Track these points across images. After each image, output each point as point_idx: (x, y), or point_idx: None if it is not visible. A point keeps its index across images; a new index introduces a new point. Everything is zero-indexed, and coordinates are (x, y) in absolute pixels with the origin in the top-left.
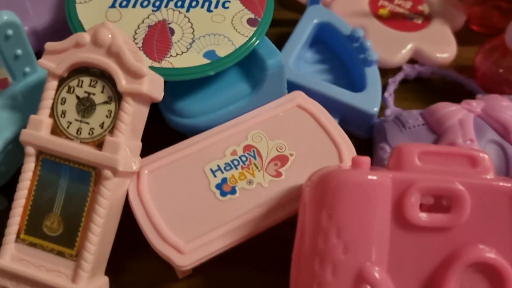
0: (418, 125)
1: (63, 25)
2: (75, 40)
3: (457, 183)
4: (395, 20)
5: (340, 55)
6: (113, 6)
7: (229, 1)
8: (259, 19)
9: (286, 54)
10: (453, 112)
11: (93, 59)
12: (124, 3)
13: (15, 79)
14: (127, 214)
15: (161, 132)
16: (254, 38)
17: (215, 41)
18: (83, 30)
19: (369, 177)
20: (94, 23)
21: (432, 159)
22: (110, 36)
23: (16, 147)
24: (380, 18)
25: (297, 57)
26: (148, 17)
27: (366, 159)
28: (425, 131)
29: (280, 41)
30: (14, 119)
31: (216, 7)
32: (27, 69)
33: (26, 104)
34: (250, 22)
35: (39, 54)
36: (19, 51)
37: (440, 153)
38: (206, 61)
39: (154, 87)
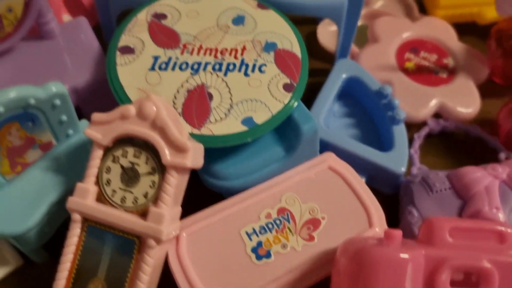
0: (445, 189)
1: (103, 84)
2: (121, 112)
3: (485, 261)
4: (421, 74)
5: (368, 110)
6: (153, 68)
7: (265, 65)
8: (295, 84)
9: (316, 111)
10: (480, 179)
11: (138, 132)
12: (164, 65)
13: (59, 141)
14: (166, 274)
15: (197, 192)
16: (290, 104)
17: (252, 107)
18: (123, 92)
19: (402, 255)
20: (134, 85)
21: (462, 234)
22: (154, 109)
23: (59, 208)
24: (406, 71)
25: (326, 113)
26: (187, 81)
27: (398, 234)
28: (452, 196)
29: (308, 91)
30: (58, 181)
31: (253, 71)
32: (70, 131)
33: (69, 165)
34: (286, 87)
35: (78, 108)
36: (64, 117)
37: (470, 229)
38: (245, 128)
39: (196, 157)
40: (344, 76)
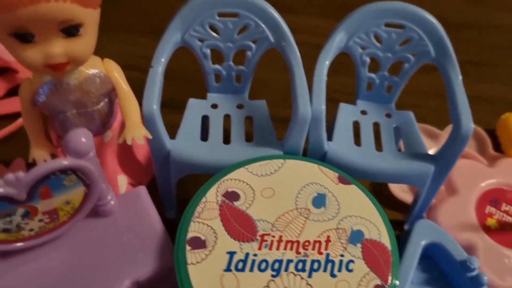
0: None
1: (168, 274)
2: None
3: None
4: (505, 233)
5: (450, 279)
6: (228, 269)
7: (353, 261)
8: (386, 286)
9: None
10: None
11: None
12: (240, 265)
13: None
14: None
15: None
16: None
17: None
18: None
19: None
20: None
21: None
22: None
23: None
24: (488, 229)
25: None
26: (267, 285)
27: None
28: None
29: None
30: None
31: (339, 270)
32: None
33: None
34: None
35: None
36: None
37: None
38: None
39: None
40: (424, 242)
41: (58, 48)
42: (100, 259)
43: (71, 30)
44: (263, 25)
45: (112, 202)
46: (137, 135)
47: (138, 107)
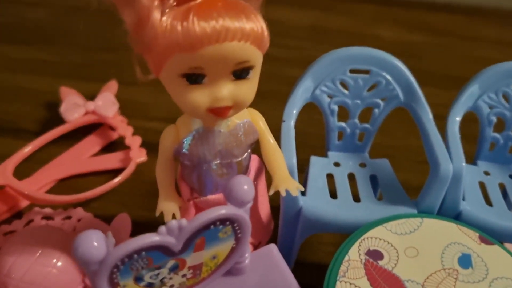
0: None
1: None
2: None
3: None
4: None
5: None
6: None
7: None
8: None
9: None
10: None
11: None
12: None
13: None
14: None
15: None
16: None
17: None
18: None
19: None
20: None
21: None
22: None
23: None
24: None
25: None
26: None
27: None
28: None
29: None
30: None
31: None
32: None
33: None
34: None
35: None
36: None
37: None
38: None
39: None
40: None
41: (227, 91)
42: None
43: (243, 72)
44: (394, 84)
45: (247, 260)
46: (291, 187)
47: (284, 159)
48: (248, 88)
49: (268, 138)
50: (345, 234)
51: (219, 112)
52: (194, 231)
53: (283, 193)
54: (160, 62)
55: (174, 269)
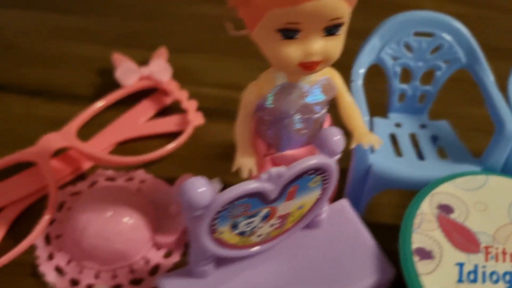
0: None
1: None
2: None
3: None
4: None
5: None
6: (461, 280)
7: None
8: None
9: None
10: None
11: None
12: (472, 276)
13: None
14: None
15: None
16: None
17: None
18: None
19: None
20: None
21: None
22: None
23: None
24: None
25: None
26: None
27: None
28: None
29: None
30: None
31: None
32: None
33: None
34: None
35: None
36: None
37: None
38: None
39: None
40: None
41: (318, 46)
42: (316, 273)
43: (334, 29)
44: (456, 46)
45: (325, 213)
46: (374, 141)
47: (361, 115)
48: (337, 43)
49: (346, 95)
50: (408, 191)
51: (309, 66)
52: (291, 179)
53: (365, 146)
54: (257, 17)
55: (265, 218)
